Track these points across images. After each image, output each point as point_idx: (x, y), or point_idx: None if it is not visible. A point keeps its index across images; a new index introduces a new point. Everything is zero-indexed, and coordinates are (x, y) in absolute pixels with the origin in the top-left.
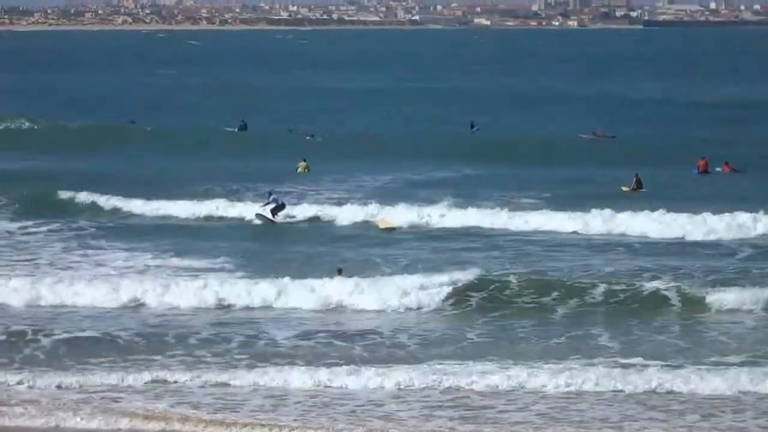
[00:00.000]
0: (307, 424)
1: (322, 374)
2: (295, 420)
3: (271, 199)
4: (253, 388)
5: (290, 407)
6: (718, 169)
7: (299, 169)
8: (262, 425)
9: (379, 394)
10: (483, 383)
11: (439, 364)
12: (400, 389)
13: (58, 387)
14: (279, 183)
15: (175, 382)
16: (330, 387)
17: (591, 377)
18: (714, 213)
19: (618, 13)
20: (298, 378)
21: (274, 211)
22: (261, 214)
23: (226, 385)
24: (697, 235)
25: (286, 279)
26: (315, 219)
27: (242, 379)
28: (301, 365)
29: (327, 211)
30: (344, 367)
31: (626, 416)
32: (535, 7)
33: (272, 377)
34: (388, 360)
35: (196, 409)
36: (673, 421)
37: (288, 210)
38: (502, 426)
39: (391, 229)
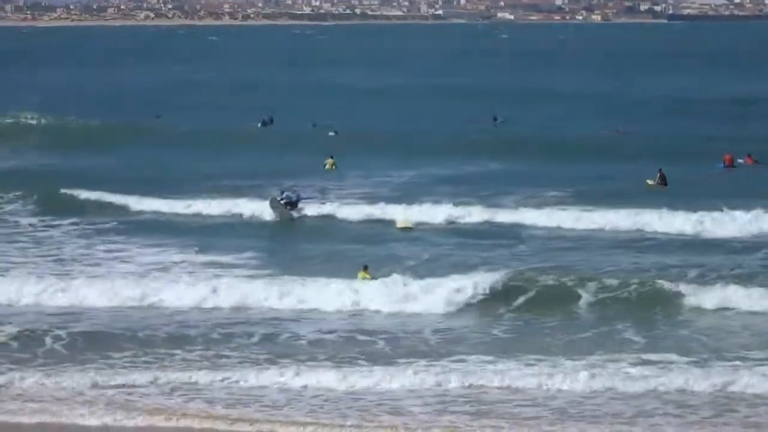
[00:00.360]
0: (318, 419)
1: (340, 371)
2: (305, 415)
3: (284, 195)
4: (269, 384)
5: (303, 403)
6: (740, 160)
7: (327, 166)
8: (271, 421)
9: (395, 390)
10: (502, 379)
11: (460, 361)
12: (416, 385)
13: (76, 383)
14: (307, 180)
15: (192, 378)
16: (346, 383)
17: (610, 373)
18: (739, 208)
19: (642, 7)
20: (315, 374)
21: (284, 205)
22: (275, 199)
23: (243, 381)
24: (722, 231)
25: (309, 277)
26: (338, 216)
27: (258, 375)
28: (319, 362)
29: (349, 209)
30: (362, 363)
31: (641, 411)
32: (558, 2)
33: (288, 374)
34: (409, 357)
35: (210, 404)
36: (687, 417)
37: (301, 205)
38: (515, 421)
39: (408, 229)
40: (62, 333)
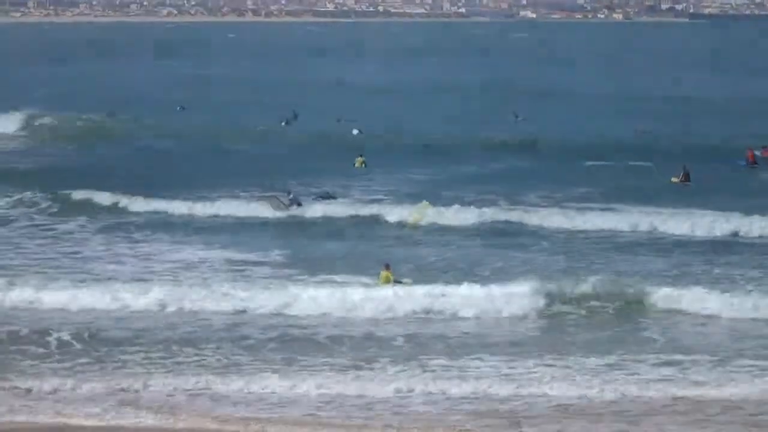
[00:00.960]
0: (320, 420)
1: (350, 372)
2: (307, 415)
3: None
4: (277, 385)
5: (311, 402)
6: (757, 152)
7: (356, 165)
8: (270, 421)
9: (404, 390)
10: (513, 379)
11: (477, 359)
12: (426, 386)
13: (83, 385)
14: (337, 178)
15: (202, 380)
16: (355, 384)
17: (623, 373)
18: (763, 207)
19: (663, 6)
20: (322, 375)
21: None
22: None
23: (254, 384)
24: (747, 231)
25: (330, 276)
26: (360, 214)
27: (269, 378)
28: (332, 363)
29: (373, 209)
30: (375, 364)
31: (648, 410)
32: (580, 0)
33: (300, 374)
34: (423, 358)
35: (217, 404)
36: (692, 415)
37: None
38: (516, 419)
39: (416, 225)
40: (78, 334)
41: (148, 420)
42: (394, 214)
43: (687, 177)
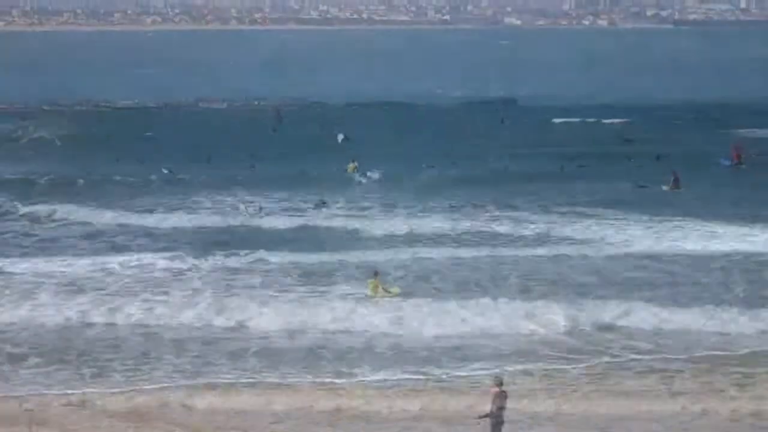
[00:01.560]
0: (287, 429)
1: (326, 381)
2: (276, 423)
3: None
4: (251, 395)
5: (281, 412)
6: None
7: (348, 170)
8: (220, 428)
9: (376, 402)
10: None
11: (457, 370)
12: (401, 395)
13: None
14: (329, 184)
15: (176, 390)
16: (331, 395)
17: (604, 380)
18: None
19: (648, 12)
20: (296, 385)
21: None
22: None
23: (228, 394)
24: (737, 244)
25: (316, 288)
26: (353, 226)
27: (243, 388)
28: (309, 371)
29: (360, 217)
30: (352, 375)
31: (621, 417)
32: (566, 6)
33: (267, 385)
34: (404, 368)
35: (190, 413)
36: (665, 422)
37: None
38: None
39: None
40: (54, 341)
41: (120, 427)
42: (379, 223)
43: (677, 183)
